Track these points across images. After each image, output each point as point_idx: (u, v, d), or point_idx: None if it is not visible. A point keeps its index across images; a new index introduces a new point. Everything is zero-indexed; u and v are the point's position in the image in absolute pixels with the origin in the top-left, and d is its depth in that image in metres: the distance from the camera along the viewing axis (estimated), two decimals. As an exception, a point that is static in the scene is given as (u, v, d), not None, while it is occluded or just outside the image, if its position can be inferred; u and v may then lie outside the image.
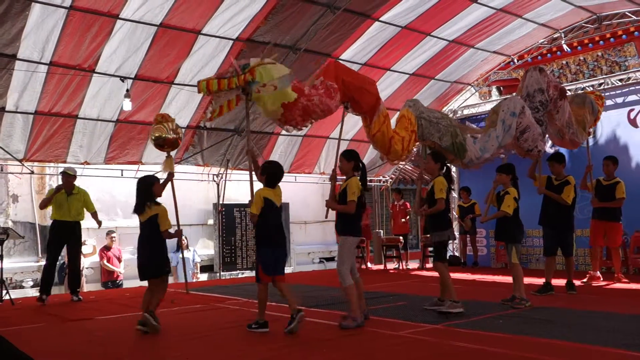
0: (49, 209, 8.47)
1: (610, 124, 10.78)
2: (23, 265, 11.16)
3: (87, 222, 12.34)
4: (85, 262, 11.84)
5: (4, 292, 8.05)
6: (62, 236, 8.25)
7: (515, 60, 12.79)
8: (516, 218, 6.97)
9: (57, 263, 11.60)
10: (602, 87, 11.02)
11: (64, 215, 8.23)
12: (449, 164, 7.02)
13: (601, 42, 14.27)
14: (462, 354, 4.41)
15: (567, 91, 9.41)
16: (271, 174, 5.73)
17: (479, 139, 7.87)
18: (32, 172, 10.52)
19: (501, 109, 7.84)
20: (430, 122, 7.43)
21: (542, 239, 8.51)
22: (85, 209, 8.51)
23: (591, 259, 9.41)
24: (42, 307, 7.70)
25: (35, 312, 7.36)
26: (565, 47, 12.14)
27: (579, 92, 10.53)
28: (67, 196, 8.22)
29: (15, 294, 9.76)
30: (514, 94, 8.68)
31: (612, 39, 14.12)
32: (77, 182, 11.97)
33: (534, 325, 5.53)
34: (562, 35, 11.94)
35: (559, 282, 8.00)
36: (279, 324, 5.76)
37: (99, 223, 8.70)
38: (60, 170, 11.01)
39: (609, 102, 10.80)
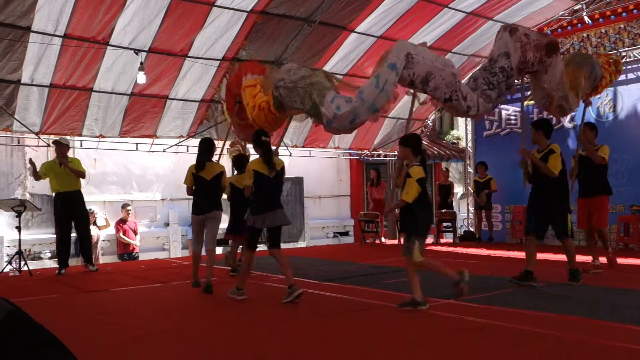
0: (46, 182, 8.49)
1: (632, 98, 10.57)
2: (41, 237, 11.29)
3: (103, 195, 12.53)
4: (101, 235, 11.99)
5: (22, 263, 8.16)
6: (67, 207, 8.27)
7: (535, 33, 12.49)
8: (418, 206, 5.28)
9: (75, 235, 11.89)
10: (624, 60, 10.75)
11: (64, 185, 8.26)
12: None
13: (624, 13, 13.86)
14: (475, 329, 4.39)
15: (560, 46, 8.24)
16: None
17: (341, 96, 6.27)
18: (49, 145, 10.53)
19: (385, 59, 6.09)
20: (289, 89, 6.44)
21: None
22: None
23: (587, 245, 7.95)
24: (59, 279, 7.80)
25: (52, 283, 7.46)
26: (586, 19, 11.83)
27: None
28: (60, 166, 8.20)
29: (33, 265, 9.91)
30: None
31: (635, 10, 13.73)
32: (95, 155, 12.16)
33: (549, 300, 5.49)
34: (584, 7, 11.65)
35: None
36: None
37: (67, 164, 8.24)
38: (77, 143, 11.16)
39: (631, 76, 10.57)
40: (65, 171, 8.23)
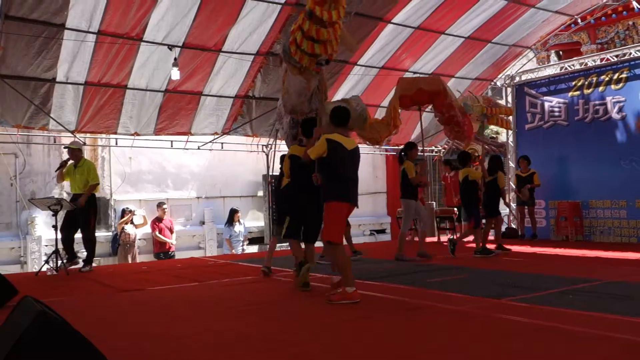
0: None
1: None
2: (78, 236, 11.26)
3: (139, 194, 12.51)
4: (137, 233, 11.97)
5: (59, 262, 8.12)
6: (74, 209, 8.30)
7: (579, 21, 11.99)
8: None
9: (112, 234, 11.91)
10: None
11: (74, 187, 8.51)
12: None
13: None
14: (528, 332, 4.07)
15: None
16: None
17: None
18: (84, 144, 10.54)
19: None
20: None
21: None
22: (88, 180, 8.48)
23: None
24: (95, 278, 7.72)
25: (88, 282, 7.38)
26: (635, 4, 11.26)
27: None
28: (74, 169, 8.42)
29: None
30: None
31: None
32: (130, 153, 12.15)
33: (607, 301, 5.12)
34: (632, -9, 11.11)
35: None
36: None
37: (84, 198, 8.33)
38: (112, 141, 11.15)
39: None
40: (75, 174, 8.41)
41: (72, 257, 8.46)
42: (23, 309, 3.17)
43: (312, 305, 5.44)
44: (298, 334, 4.25)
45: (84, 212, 8.53)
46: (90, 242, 8.66)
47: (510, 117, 11.60)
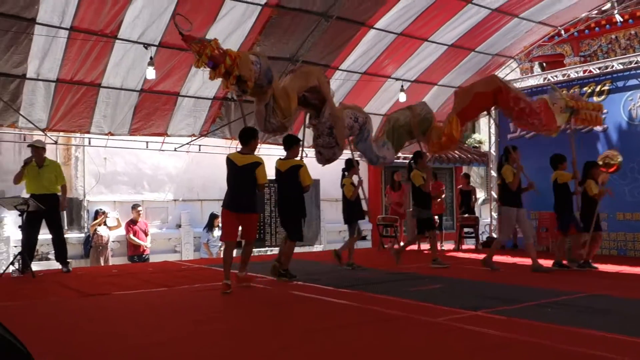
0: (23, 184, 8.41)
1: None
2: (48, 237, 10.93)
3: (113, 195, 12.20)
4: (111, 235, 11.66)
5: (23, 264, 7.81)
6: (39, 210, 7.96)
7: (563, 33, 11.96)
8: None
9: (84, 235, 11.58)
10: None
11: (39, 188, 8.14)
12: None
13: (656, 14, 13.31)
14: (508, 346, 3.89)
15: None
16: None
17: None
18: (56, 142, 10.26)
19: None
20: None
21: None
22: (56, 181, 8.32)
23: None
24: (63, 281, 7.42)
25: (53, 285, 7.09)
26: (618, 17, 11.24)
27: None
28: (39, 169, 8.13)
29: (40, 265, 9.60)
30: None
31: (667, 11, 13.16)
32: (105, 153, 11.85)
33: (588, 315, 4.98)
34: (615, 4, 11.09)
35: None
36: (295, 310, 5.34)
37: (63, 204, 8.47)
38: (86, 140, 10.85)
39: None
40: (41, 174, 8.11)
41: (30, 259, 8.08)
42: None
43: (285, 314, 5.24)
44: (264, 346, 4.02)
45: (55, 212, 8.29)
46: (63, 243, 8.50)
47: (600, 113, 9.99)
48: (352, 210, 8.68)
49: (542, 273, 7.83)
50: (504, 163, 8.46)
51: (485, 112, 9.55)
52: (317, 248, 13.53)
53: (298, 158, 7.46)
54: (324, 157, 7.94)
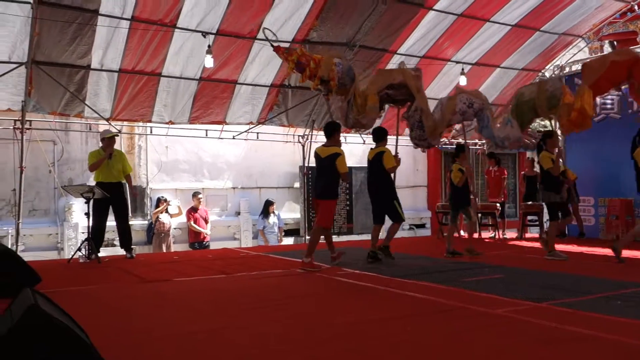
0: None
1: None
2: (114, 224, 11.33)
3: (175, 183, 12.46)
4: (173, 223, 11.93)
5: (90, 250, 8.08)
6: (107, 198, 8.20)
7: (637, 8, 11.26)
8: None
9: (147, 222, 11.89)
10: None
11: (108, 177, 8.38)
12: None
13: None
14: (572, 341, 3.69)
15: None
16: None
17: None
18: (120, 132, 10.52)
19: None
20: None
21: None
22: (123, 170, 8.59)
23: None
24: (126, 267, 7.62)
25: (116, 271, 7.29)
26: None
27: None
28: (109, 159, 8.35)
29: (106, 252, 9.90)
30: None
31: None
32: (167, 142, 12.12)
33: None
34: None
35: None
36: (355, 297, 5.27)
37: (131, 186, 8.94)
38: (148, 129, 11.10)
39: None
40: (111, 164, 8.35)
41: (98, 246, 8.38)
42: (20, 301, 3.05)
43: (339, 303, 5.18)
44: (318, 335, 3.98)
45: (122, 200, 8.56)
46: (128, 231, 8.77)
47: None
48: (458, 197, 8.56)
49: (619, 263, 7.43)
50: (542, 149, 8.07)
51: (616, 87, 8.85)
52: (351, 237, 13.35)
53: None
54: (422, 146, 8.66)
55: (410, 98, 8.26)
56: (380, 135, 8.03)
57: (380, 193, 7.83)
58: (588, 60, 9.08)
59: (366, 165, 8.19)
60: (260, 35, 9.38)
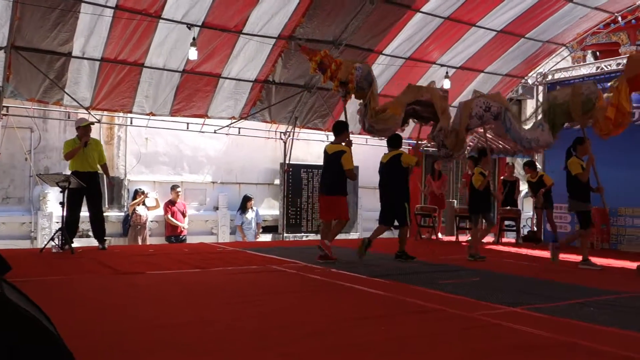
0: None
1: None
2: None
3: (153, 176, 12.32)
4: (149, 215, 11.79)
5: (63, 240, 7.95)
6: (82, 187, 8.11)
7: (620, 19, 11.41)
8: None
9: (124, 214, 11.74)
10: None
11: (84, 166, 8.27)
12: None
13: None
14: (548, 347, 3.70)
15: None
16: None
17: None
18: (99, 122, 10.37)
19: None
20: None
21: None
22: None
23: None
24: (100, 258, 7.50)
25: (89, 262, 7.16)
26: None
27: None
28: (84, 147, 8.23)
29: (81, 242, 9.77)
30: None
31: None
32: (147, 134, 11.98)
33: (633, 316, 4.72)
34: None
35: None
36: (334, 296, 5.23)
37: (108, 176, 8.86)
38: (128, 120, 10.95)
39: None
40: (86, 152, 8.24)
41: (72, 236, 8.25)
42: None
43: (315, 301, 5.15)
44: (292, 332, 3.94)
45: (97, 190, 8.43)
46: (102, 221, 8.67)
47: None
48: (479, 201, 8.56)
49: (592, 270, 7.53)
50: (571, 155, 7.85)
51: None
52: (353, 235, 13.40)
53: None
54: (452, 160, 9.40)
55: (434, 117, 8.47)
56: (395, 142, 8.22)
57: (395, 194, 7.99)
58: (634, 52, 8.89)
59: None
60: (246, 29, 9.35)
